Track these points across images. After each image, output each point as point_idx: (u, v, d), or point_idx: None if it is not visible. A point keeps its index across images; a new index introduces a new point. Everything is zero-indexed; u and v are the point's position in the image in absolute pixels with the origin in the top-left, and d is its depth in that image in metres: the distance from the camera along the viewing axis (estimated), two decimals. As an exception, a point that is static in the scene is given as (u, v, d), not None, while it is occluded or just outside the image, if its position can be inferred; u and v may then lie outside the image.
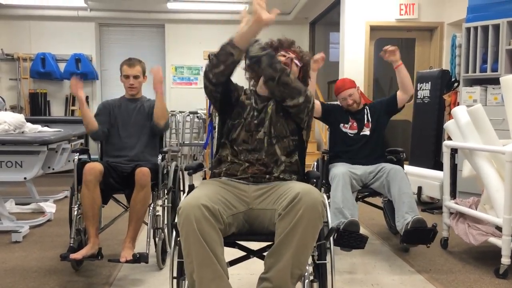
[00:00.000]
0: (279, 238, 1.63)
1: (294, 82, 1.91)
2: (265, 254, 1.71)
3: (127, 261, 2.48)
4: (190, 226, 1.59)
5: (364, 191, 3.21)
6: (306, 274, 1.74)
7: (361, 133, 3.23)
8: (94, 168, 2.58)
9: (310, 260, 1.79)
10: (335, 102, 3.42)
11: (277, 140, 1.96)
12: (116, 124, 2.95)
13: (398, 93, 3.27)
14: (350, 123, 3.25)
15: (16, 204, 4.38)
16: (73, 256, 2.45)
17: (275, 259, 1.63)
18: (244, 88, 2.13)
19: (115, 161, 2.82)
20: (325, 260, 1.80)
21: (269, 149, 1.94)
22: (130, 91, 2.99)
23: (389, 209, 3.46)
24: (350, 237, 2.64)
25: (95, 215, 2.59)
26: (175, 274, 1.81)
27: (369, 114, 3.28)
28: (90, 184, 2.56)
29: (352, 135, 3.24)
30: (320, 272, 1.79)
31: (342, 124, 3.26)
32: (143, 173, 2.60)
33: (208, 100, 7.15)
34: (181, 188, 3.33)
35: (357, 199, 3.15)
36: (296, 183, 1.78)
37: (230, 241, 1.82)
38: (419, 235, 2.68)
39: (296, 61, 2.06)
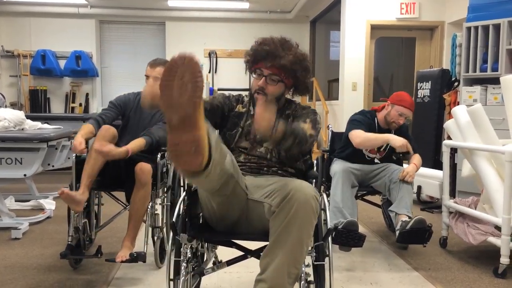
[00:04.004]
0: (273, 236, 1.60)
1: (310, 141, 1.84)
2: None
3: (123, 261, 2.47)
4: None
5: (364, 190, 3.21)
6: (303, 275, 1.73)
7: (374, 159, 3.16)
8: (109, 129, 2.56)
9: (308, 261, 1.77)
10: (363, 112, 3.25)
11: (290, 163, 1.95)
12: (125, 126, 2.87)
13: None
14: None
15: (16, 201, 4.37)
16: (61, 191, 2.33)
17: (270, 258, 1.60)
18: (241, 97, 2.07)
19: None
20: (323, 261, 1.78)
21: (279, 169, 1.93)
22: None
23: (388, 208, 3.46)
24: (348, 236, 2.64)
25: (94, 170, 2.52)
26: (171, 276, 1.80)
27: None
28: (101, 139, 2.49)
29: (369, 159, 3.16)
30: (318, 273, 1.78)
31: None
32: (143, 171, 2.56)
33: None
34: (181, 184, 3.30)
35: (356, 197, 3.16)
36: (290, 180, 1.74)
37: (227, 240, 1.82)
38: (415, 235, 2.68)
39: (272, 80, 1.89)
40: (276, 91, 1.92)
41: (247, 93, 2.12)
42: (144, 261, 2.53)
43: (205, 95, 7.01)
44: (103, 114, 2.80)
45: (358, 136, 2.97)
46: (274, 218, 1.61)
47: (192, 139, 1.34)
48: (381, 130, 3.13)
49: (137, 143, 2.65)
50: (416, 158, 3.13)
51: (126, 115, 2.88)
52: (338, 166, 3.01)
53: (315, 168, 3.25)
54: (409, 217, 2.79)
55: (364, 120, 3.11)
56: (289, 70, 1.89)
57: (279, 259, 1.58)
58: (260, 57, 1.90)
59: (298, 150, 1.80)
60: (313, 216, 1.61)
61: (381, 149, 3.17)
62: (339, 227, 2.66)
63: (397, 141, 2.86)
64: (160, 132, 2.80)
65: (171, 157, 1.38)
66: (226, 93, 2.09)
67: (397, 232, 2.76)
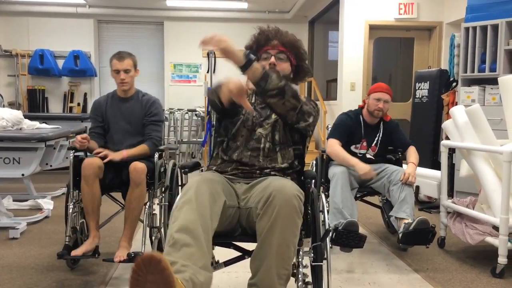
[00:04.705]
0: (260, 239, 1.60)
1: (308, 106, 1.86)
2: None
3: (121, 261, 2.47)
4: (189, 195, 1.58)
5: (363, 190, 3.22)
6: (300, 276, 1.72)
7: (367, 155, 3.18)
8: (93, 163, 2.56)
9: (306, 262, 1.77)
10: (350, 110, 3.32)
11: (281, 148, 1.94)
12: (107, 128, 2.87)
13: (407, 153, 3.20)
14: (360, 143, 3.18)
15: (14, 200, 4.37)
16: (73, 253, 2.46)
17: (259, 262, 1.60)
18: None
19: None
20: (321, 262, 1.77)
21: (269, 154, 1.91)
22: (121, 87, 2.89)
23: (387, 208, 3.47)
24: (349, 237, 2.64)
25: (95, 210, 2.58)
26: None
27: (380, 135, 3.20)
28: (89, 179, 2.54)
29: (361, 155, 3.18)
30: (316, 274, 1.77)
31: (354, 146, 3.19)
32: (137, 170, 2.55)
33: (206, 98, 7.15)
34: (179, 183, 3.30)
35: (355, 198, 3.16)
36: (274, 180, 1.71)
37: (225, 241, 1.82)
38: (418, 236, 2.68)
39: (280, 59, 1.95)
40: (286, 68, 1.97)
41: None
42: None
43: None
44: (92, 134, 2.85)
45: (331, 146, 3.11)
46: (259, 221, 1.60)
47: None
48: (367, 126, 3.19)
49: (139, 149, 2.74)
50: (413, 155, 3.13)
51: (105, 119, 2.88)
52: (337, 168, 3.02)
53: (314, 169, 3.26)
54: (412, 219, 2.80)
55: (346, 123, 3.18)
56: (293, 46, 1.98)
57: (267, 261, 1.58)
58: (263, 41, 1.97)
59: (293, 101, 1.76)
60: (296, 215, 1.59)
61: (373, 145, 3.20)
62: (339, 228, 2.66)
63: (361, 169, 2.91)
64: (156, 132, 2.86)
65: None
66: None
67: (400, 234, 2.75)
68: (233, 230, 1.81)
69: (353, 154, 3.16)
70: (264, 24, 2.04)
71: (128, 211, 2.60)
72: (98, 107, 2.91)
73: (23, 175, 3.33)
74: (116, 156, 2.63)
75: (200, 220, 1.52)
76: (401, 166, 3.22)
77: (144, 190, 2.61)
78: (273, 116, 1.96)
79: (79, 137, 2.59)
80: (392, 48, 6.72)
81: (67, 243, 2.58)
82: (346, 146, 3.17)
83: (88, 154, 2.90)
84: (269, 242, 1.57)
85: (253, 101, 2.03)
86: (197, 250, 1.45)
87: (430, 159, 4.95)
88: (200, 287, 1.39)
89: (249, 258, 1.84)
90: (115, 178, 2.72)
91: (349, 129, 3.16)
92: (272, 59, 1.93)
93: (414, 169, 3.01)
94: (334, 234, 2.62)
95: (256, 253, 1.62)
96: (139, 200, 2.59)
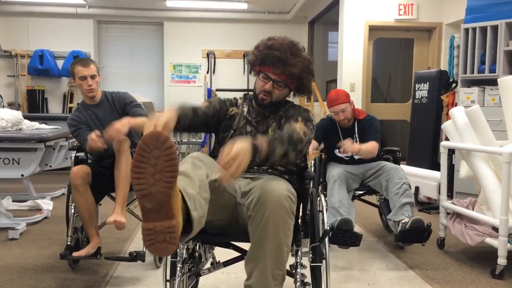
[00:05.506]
0: (252, 241, 1.59)
1: (307, 135, 1.80)
2: None
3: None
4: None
5: (361, 189, 3.23)
6: (298, 277, 1.72)
7: (355, 157, 3.19)
8: (80, 171, 2.56)
9: (305, 262, 1.77)
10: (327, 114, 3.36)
11: (283, 170, 1.91)
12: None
13: None
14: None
15: (13, 201, 4.37)
16: (75, 254, 2.46)
17: (254, 264, 1.59)
18: (236, 99, 2.06)
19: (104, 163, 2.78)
20: (320, 263, 1.77)
21: (269, 167, 1.88)
22: (89, 93, 2.80)
23: (385, 208, 3.47)
24: (344, 235, 2.66)
25: (91, 216, 2.59)
26: (168, 277, 1.80)
27: (357, 135, 3.19)
28: (79, 187, 2.55)
29: (348, 158, 3.20)
30: (315, 275, 1.77)
31: (337, 150, 3.21)
32: (118, 141, 2.50)
33: (206, 98, 7.15)
34: None
35: (354, 197, 3.16)
36: (265, 181, 1.66)
37: (224, 242, 1.82)
38: (414, 234, 2.70)
39: (279, 86, 1.89)
40: (282, 94, 1.93)
41: (241, 95, 2.10)
42: (143, 261, 2.54)
43: (203, 96, 7.01)
44: (84, 133, 2.75)
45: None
46: (250, 223, 1.59)
47: (167, 227, 1.29)
48: (343, 130, 3.22)
49: (140, 119, 2.58)
50: (366, 144, 3.04)
51: (89, 127, 2.81)
52: (335, 170, 3.05)
53: (312, 169, 3.28)
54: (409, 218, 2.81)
55: (321, 125, 3.26)
56: (297, 78, 1.89)
57: (261, 263, 1.57)
58: (268, 62, 1.86)
59: (295, 152, 1.72)
60: (287, 216, 1.57)
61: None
62: (334, 227, 2.68)
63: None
64: (141, 110, 2.85)
65: (146, 244, 1.31)
66: (222, 97, 2.06)
67: (397, 233, 2.77)
68: (230, 223, 1.79)
69: (339, 158, 3.21)
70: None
71: (118, 179, 2.58)
72: (78, 118, 2.82)
73: (22, 175, 3.33)
74: (124, 125, 2.37)
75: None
76: (399, 164, 3.23)
77: (128, 156, 2.58)
78: (271, 131, 1.93)
79: (93, 136, 2.48)
80: (392, 49, 6.73)
81: (69, 243, 2.59)
82: (330, 152, 3.24)
83: (89, 155, 2.90)
84: (261, 244, 1.57)
85: (245, 114, 1.99)
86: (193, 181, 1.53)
87: (429, 160, 4.95)
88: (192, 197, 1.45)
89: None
90: (113, 181, 2.72)
91: (325, 130, 3.23)
92: (269, 85, 1.87)
93: (354, 146, 2.92)
94: (331, 233, 2.64)
95: (249, 255, 1.61)
96: (126, 165, 2.55)
